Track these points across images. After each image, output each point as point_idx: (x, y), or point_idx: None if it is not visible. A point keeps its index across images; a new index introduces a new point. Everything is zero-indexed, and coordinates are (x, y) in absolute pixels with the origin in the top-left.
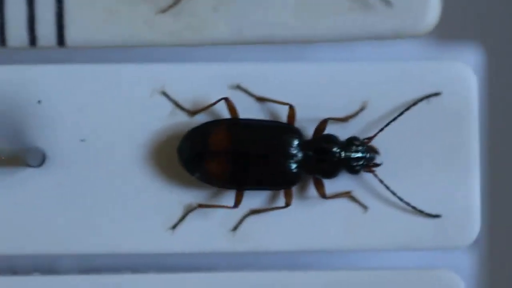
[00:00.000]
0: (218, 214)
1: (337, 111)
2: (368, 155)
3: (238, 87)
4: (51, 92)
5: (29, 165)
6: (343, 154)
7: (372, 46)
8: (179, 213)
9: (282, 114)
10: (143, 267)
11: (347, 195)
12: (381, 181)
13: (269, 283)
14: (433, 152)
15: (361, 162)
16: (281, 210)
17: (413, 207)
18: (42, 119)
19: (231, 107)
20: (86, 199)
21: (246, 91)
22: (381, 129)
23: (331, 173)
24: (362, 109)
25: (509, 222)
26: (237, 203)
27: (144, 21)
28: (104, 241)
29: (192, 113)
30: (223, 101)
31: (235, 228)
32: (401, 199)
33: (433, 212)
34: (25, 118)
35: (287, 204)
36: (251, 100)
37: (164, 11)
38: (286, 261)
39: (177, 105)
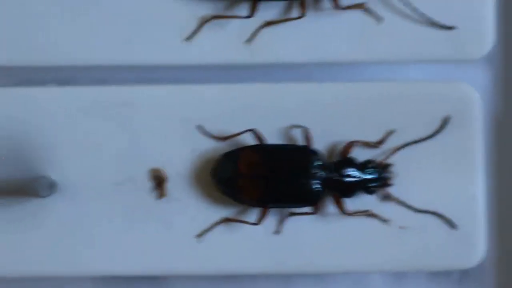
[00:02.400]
0: (233, 26)
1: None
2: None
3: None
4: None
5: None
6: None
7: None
8: (194, 24)
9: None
10: (159, 80)
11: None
12: None
13: (284, 94)
14: None
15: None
16: (296, 22)
17: (428, 18)
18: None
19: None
20: None
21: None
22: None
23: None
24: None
25: None
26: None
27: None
28: (120, 53)
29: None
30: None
31: (250, 40)
32: (416, 10)
33: (448, 24)
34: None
35: (302, 15)
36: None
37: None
38: (300, 74)
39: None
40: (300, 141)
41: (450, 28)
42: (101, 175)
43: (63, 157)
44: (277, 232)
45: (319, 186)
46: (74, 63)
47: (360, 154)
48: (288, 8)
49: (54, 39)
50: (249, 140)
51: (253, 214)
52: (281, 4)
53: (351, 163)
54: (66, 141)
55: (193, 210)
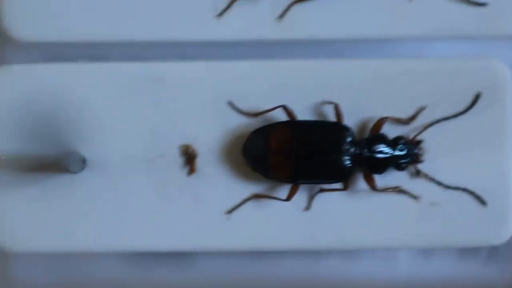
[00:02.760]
0: (264, 2)
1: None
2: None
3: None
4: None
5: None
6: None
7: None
8: (225, 1)
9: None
10: (190, 57)
11: None
12: None
13: (315, 70)
14: None
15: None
16: None
17: None
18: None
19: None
20: None
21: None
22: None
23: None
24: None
25: None
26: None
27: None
28: (152, 29)
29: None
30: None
31: (281, 16)
32: None
33: (480, 0)
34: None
35: None
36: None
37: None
38: (331, 50)
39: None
40: (331, 117)
41: (482, 4)
42: (131, 151)
43: (94, 133)
44: (307, 208)
45: (349, 162)
46: (105, 39)
47: (391, 131)
48: None
49: (85, 14)
50: (280, 116)
51: (283, 191)
52: None
53: (382, 139)
54: (97, 117)
55: (223, 186)
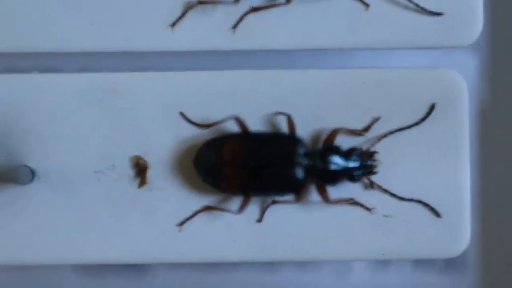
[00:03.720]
0: (218, 12)
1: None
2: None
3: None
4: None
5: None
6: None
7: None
8: (179, 10)
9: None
10: (142, 67)
11: None
12: None
13: (268, 81)
14: None
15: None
16: (283, 8)
17: (416, 4)
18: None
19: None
20: None
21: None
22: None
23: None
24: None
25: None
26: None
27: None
28: (104, 40)
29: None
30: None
31: (235, 26)
32: None
33: (436, 10)
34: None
35: (288, 1)
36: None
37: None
38: (286, 61)
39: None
40: (284, 128)
41: (438, 14)
42: (82, 162)
43: (44, 144)
44: (259, 220)
45: (302, 174)
46: (56, 50)
47: (345, 142)
48: None
49: (36, 25)
50: (232, 127)
51: (236, 202)
52: None
53: (336, 150)
54: (47, 128)
55: (175, 198)
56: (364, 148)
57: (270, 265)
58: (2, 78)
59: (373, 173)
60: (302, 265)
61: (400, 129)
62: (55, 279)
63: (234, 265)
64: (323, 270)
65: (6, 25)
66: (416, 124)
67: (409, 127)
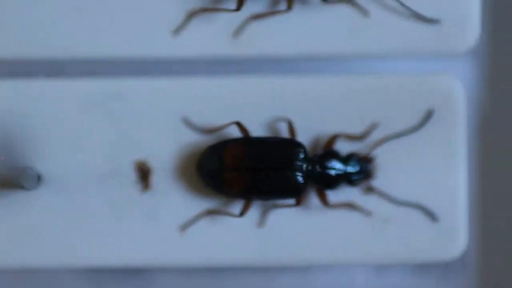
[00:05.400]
0: (220, 19)
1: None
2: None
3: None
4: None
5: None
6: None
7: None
8: (182, 17)
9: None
10: (146, 73)
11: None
12: None
13: (269, 87)
14: None
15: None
16: (283, 15)
17: (414, 12)
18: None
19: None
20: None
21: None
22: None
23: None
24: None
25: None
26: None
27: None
28: (108, 45)
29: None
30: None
31: (237, 33)
32: (402, 4)
33: (433, 17)
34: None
35: (289, 8)
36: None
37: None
38: (286, 67)
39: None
40: (285, 133)
41: (435, 21)
42: (86, 167)
43: (49, 149)
44: (260, 224)
45: (302, 178)
46: (61, 56)
47: (344, 147)
48: (275, 2)
49: (42, 31)
50: (234, 132)
51: (237, 206)
52: None
53: (335, 155)
54: (52, 133)
55: (178, 202)
56: (363, 153)
57: (271, 270)
58: (7, 83)
59: (372, 178)
60: (302, 269)
61: (398, 135)
62: (61, 283)
63: (235, 270)
64: (323, 275)
65: (10, 31)
66: (414, 130)
67: (407, 133)
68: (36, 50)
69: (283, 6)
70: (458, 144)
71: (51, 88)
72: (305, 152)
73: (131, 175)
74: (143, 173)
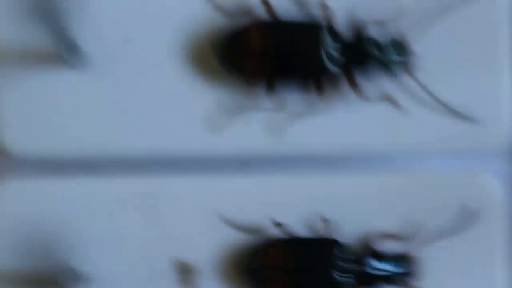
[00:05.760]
0: (260, 116)
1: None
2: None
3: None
4: None
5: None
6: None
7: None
8: (219, 115)
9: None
10: (185, 170)
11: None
12: (420, 83)
13: (309, 187)
14: (471, 57)
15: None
16: (322, 114)
17: (451, 109)
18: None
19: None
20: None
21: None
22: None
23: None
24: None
25: None
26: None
27: None
28: (145, 144)
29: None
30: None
31: (275, 131)
32: (439, 101)
33: (470, 116)
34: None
35: (327, 105)
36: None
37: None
38: (325, 164)
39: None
40: (324, 232)
41: (472, 119)
42: (126, 267)
43: (89, 249)
44: None
45: (343, 277)
46: (98, 154)
47: (384, 246)
48: (314, 100)
49: (77, 130)
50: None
51: None
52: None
53: (374, 254)
54: (91, 232)
55: None
56: (403, 252)
57: None
58: (46, 182)
59: (410, 278)
60: None
61: (439, 237)
62: None
63: None
64: None
65: (51, 131)
66: (455, 232)
67: (448, 235)
68: (72, 148)
69: (321, 104)
70: (497, 246)
71: (88, 186)
72: (345, 250)
73: (173, 276)
74: (186, 274)
